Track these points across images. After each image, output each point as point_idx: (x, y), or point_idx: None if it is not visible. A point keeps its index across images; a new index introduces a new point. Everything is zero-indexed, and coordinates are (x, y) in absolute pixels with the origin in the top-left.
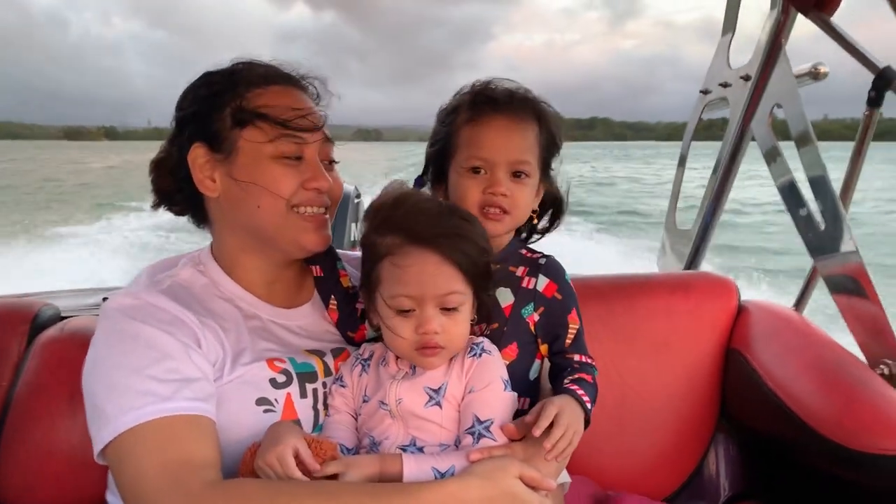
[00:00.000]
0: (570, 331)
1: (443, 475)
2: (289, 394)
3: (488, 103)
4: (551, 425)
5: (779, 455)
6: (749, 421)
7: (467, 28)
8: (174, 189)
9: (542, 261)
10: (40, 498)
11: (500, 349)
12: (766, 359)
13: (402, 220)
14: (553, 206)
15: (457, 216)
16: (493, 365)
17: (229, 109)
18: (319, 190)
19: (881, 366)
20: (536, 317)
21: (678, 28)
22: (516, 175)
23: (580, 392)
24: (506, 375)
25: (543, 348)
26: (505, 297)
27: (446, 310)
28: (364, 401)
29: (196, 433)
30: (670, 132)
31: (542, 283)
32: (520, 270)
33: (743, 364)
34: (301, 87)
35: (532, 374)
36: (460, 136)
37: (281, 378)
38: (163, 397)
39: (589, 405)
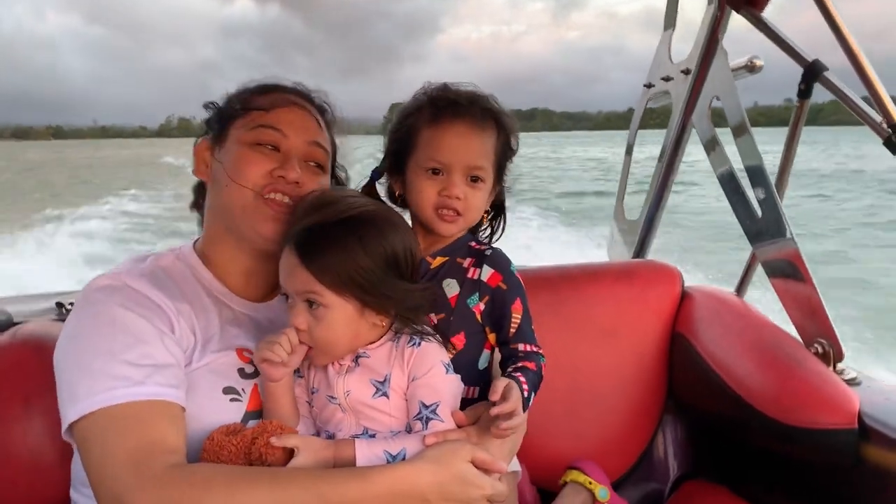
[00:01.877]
0: (513, 320)
1: (394, 458)
2: (256, 385)
3: (450, 107)
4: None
5: (724, 434)
6: (695, 402)
7: (414, 21)
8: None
9: (488, 252)
10: None
11: (447, 339)
12: (708, 342)
13: (297, 215)
14: (497, 210)
15: (346, 226)
16: (433, 351)
17: (230, 107)
18: (285, 178)
19: (815, 344)
20: (482, 306)
21: (621, 18)
22: (472, 179)
23: (521, 378)
24: (447, 360)
25: (492, 337)
26: (451, 287)
27: (310, 304)
28: (312, 392)
29: (165, 419)
30: (601, 122)
31: (487, 273)
32: (466, 262)
33: (687, 347)
34: (303, 95)
35: (481, 364)
36: (421, 135)
37: (249, 369)
38: (135, 381)
39: (527, 392)
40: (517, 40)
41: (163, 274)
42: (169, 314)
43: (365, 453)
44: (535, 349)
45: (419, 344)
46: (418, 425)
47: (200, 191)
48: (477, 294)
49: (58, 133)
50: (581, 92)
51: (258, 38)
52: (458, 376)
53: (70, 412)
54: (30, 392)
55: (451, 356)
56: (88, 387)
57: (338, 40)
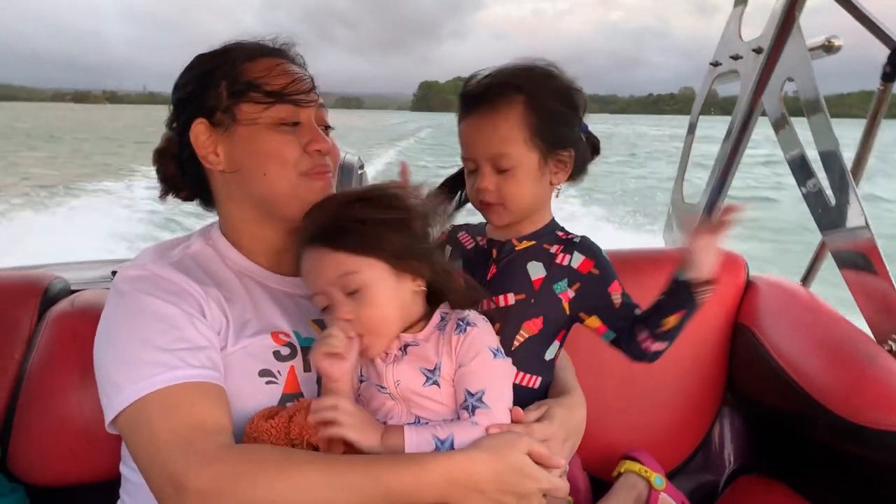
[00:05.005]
0: (614, 298)
1: (442, 443)
2: (292, 366)
3: (465, 101)
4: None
5: (784, 429)
6: (755, 395)
7: None
8: (179, 174)
9: (577, 240)
10: (54, 471)
11: (523, 321)
12: (774, 334)
13: (304, 222)
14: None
15: (359, 203)
16: (480, 336)
17: (224, 83)
18: (321, 152)
19: (889, 342)
20: (571, 293)
21: (668, 1)
22: (500, 171)
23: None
24: (494, 344)
25: (591, 321)
26: (536, 270)
27: (348, 292)
28: (361, 380)
29: (206, 399)
30: (624, 106)
31: (578, 259)
32: (554, 248)
33: (751, 339)
34: (288, 57)
35: (548, 355)
36: (459, 133)
37: (285, 351)
38: (171, 366)
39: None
40: (560, 19)
41: (191, 261)
42: (197, 297)
43: (413, 439)
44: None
45: (465, 329)
46: (465, 414)
47: (199, 181)
48: (566, 280)
49: (112, 98)
50: (620, 74)
51: (298, 9)
52: (509, 360)
53: (113, 403)
54: (87, 362)
55: (522, 340)
56: (127, 377)
57: (380, 13)
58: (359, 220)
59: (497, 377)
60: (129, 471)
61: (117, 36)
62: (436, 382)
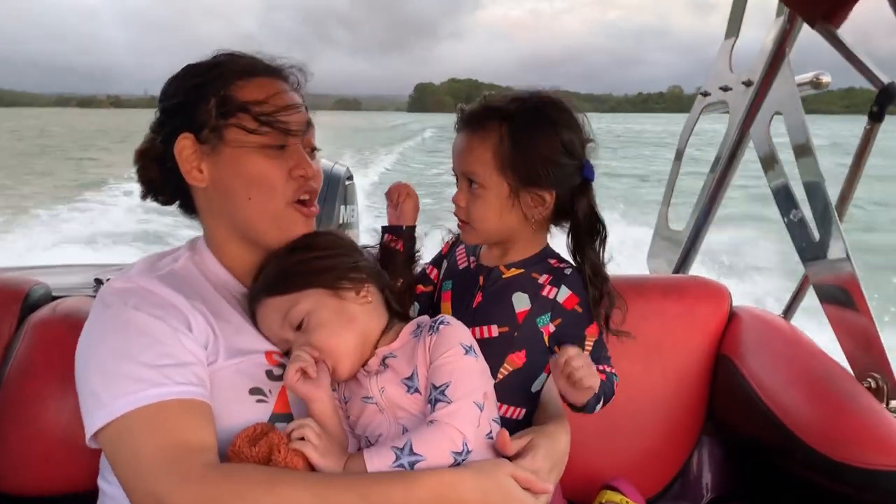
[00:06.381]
0: (587, 343)
1: (401, 450)
2: (284, 387)
3: (459, 118)
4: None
5: (763, 460)
6: (735, 425)
7: None
8: (161, 179)
9: (568, 271)
10: (30, 480)
11: (507, 354)
12: (755, 366)
13: (251, 285)
14: (580, 220)
15: (288, 252)
16: (452, 333)
17: (214, 100)
18: (305, 177)
19: (868, 379)
20: (552, 328)
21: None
22: (471, 185)
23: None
24: (468, 341)
25: None
26: (521, 302)
27: (299, 328)
28: (345, 401)
29: (191, 417)
30: (613, 105)
31: (564, 294)
32: (542, 278)
33: (732, 370)
34: (283, 77)
35: (535, 387)
36: None
37: (278, 371)
38: (156, 383)
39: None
40: (557, 18)
41: (178, 276)
42: (185, 312)
43: (373, 457)
44: (608, 369)
45: (438, 329)
46: (428, 408)
47: (181, 191)
48: (549, 314)
49: (116, 102)
50: (618, 73)
51: (299, 11)
52: (481, 360)
53: (95, 419)
54: (67, 370)
55: (506, 373)
56: (110, 392)
57: (379, 14)
58: (290, 263)
59: (464, 371)
60: (106, 485)
61: (116, 40)
62: (417, 390)
